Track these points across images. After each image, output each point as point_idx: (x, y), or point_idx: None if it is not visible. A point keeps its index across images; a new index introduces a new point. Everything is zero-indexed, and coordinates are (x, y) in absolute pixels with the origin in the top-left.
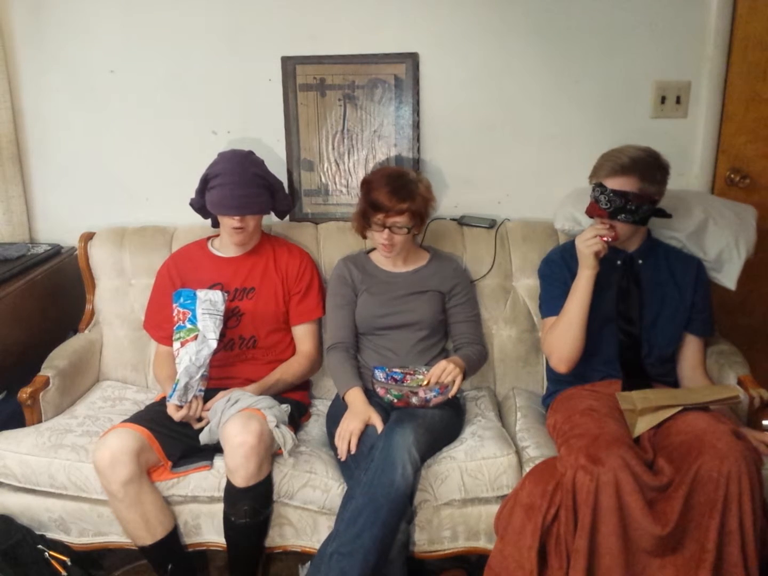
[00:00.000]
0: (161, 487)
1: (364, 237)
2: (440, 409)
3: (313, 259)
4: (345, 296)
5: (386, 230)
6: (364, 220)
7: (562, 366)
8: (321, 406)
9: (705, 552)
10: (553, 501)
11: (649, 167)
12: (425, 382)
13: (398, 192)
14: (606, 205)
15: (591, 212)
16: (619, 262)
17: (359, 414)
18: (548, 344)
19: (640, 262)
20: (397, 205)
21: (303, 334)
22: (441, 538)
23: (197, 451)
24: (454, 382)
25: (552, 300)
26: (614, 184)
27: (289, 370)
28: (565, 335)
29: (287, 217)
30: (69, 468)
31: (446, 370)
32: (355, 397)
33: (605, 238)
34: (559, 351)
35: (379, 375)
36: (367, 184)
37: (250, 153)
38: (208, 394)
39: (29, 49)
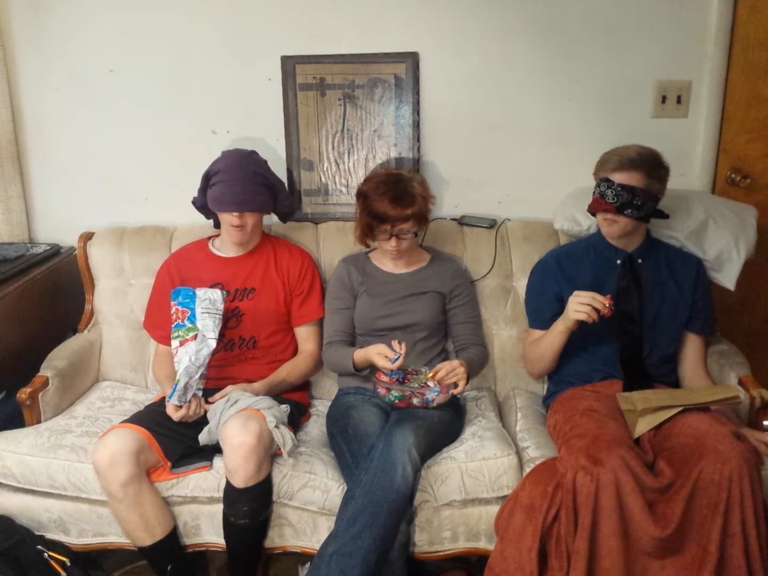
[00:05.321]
0: (161, 487)
1: (367, 246)
2: (441, 409)
3: (313, 260)
4: (343, 299)
5: (393, 238)
6: (368, 231)
7: (532, 377)
8: (321, 407)
9: (707, 554)
10: (553, 502)
11: (655, 165)
12: (431, 375)
13: (399, 199)
14: (613, 200)
15: (595, 208)
16: (618, 262)
17: (377, 346)
18: (524, 356)
19: (640, 261)
20: (401, 213)
21: (306, 335)
22: (441, 539)
23: (197, 451)
24: (456, 385)
25: (536, 312)
26: (622, 178)
27: (294, 371)
28: (537, 362)
29: None
30: (68, 468)
31: (455, 371)
32: (364, 349)
33: (601, 313)
34: (530, 369)
35: (381, 375)
36: (363, 196)
37: (253, 152)
38: (207, 394)
39: (29, 49)
